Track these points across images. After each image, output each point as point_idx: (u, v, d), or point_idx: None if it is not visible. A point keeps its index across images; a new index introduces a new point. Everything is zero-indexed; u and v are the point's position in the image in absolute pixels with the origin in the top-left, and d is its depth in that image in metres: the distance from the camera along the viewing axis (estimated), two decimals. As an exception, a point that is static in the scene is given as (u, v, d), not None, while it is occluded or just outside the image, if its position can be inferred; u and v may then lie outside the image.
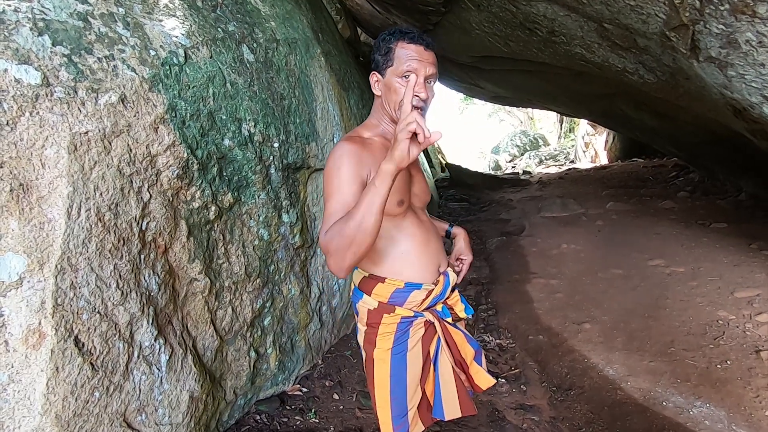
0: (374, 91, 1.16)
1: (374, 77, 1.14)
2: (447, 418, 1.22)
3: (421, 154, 1.47)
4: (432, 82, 1.11)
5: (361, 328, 1.25)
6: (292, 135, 2.15)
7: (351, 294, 1.28)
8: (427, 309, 1.22)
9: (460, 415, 1.22)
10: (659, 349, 2.38)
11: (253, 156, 1.89)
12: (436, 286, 1.21)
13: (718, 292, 2.88)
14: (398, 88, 1.09)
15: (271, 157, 2.00)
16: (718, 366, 2.18)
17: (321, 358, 2.44)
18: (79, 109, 1.28)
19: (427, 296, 1.19)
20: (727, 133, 3.62)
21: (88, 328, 1.28)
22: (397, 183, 1.09)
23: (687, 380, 2.11)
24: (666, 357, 2.31)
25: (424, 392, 1.24)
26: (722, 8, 1.72)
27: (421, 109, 1.09)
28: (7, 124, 1.16)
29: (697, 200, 5.10)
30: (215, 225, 1.74)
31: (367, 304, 1.21)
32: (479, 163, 16.47)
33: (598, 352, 2.46)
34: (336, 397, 2.19)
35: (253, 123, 1.90)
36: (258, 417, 1.97)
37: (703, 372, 2.15)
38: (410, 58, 1.07)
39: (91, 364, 1.28)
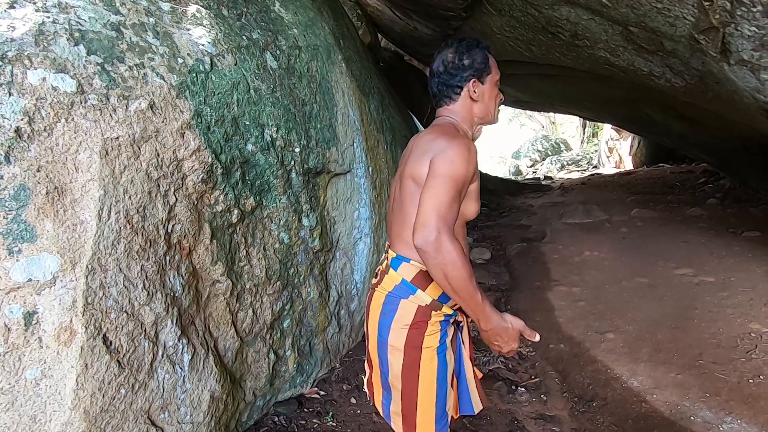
0: (473, 97, 1.21)
1: (476, 84, 1.21)
2: (476, 412, 1.29)
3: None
4: None
5: (400, 330, 1.15)
6: (313, 140, 2.18)
7: (392, 288, 1.18)
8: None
9: (482, 407, 1.31)
10: (687, 362, 2.30)
11: (275, 161, 1.92)
12: None
13: (750, 303, 2.76)
14: (496, 95, 1.26)
15: (293, 162, 2.03)
16: (751, 381, 2.09)
17: (339, 361, 2.45)
18: (110, 115, 1.33)
19: None
20: (760, 138, 3.49)
21: (116, 327, 1.32)
22: (477, 193, 1.18)
23: (717, 395, 2.03)
24: (694, 370, 2.23)
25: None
26: (755, 10, 1.67)
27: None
28: (45, 130, 1.22)
29: (728, 207, 4.91)
30: (237, 228, 1.78)
31: (419, 299, 1.14)
32: (499, 168, 16.28)
33: (622, 363, 2.39)
34: (353, 401, 2.19)
35: (275, 128, 1.93)
36: (276, 419, 1.99)
37: (735, 387, 2.07)
38: (497, 68, 1.24)
39: (118, 361, 1.32)
